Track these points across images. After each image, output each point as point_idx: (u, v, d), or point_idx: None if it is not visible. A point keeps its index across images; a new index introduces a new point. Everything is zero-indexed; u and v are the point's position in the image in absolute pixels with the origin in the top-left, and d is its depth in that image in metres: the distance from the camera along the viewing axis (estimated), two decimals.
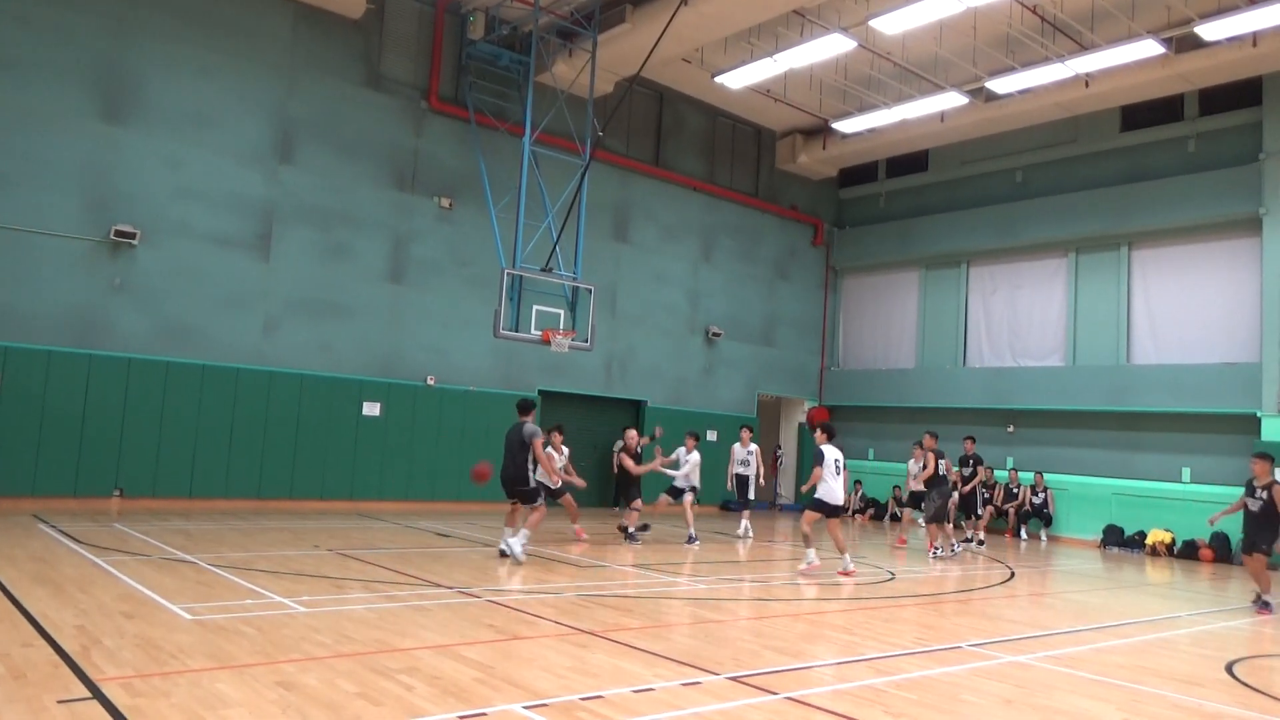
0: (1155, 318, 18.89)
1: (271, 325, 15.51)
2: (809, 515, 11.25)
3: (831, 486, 11.06)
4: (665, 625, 7.62)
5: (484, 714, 4.77)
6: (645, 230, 20.75)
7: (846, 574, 11.05)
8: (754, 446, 15.59)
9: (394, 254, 16.93)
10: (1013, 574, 12.97)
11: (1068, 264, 20.26)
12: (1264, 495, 10.24)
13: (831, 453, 11.11)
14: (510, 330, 15.57)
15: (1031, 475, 19.39)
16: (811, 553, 11.24)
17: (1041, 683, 6.31)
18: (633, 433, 14.74)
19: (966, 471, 15.96)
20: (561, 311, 16.37)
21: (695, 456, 14.11)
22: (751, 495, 15.56)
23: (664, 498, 14.40)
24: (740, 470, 15.48)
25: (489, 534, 13.29)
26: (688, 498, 14.01)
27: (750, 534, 15.51)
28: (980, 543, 15.95)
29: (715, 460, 20.36)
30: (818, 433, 11.40)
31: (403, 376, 16.88)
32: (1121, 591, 12.19)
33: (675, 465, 14.31)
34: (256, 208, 15.42)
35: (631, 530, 13.61)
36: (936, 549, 14.09)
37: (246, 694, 4.85)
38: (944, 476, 14.20)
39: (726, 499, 21.73)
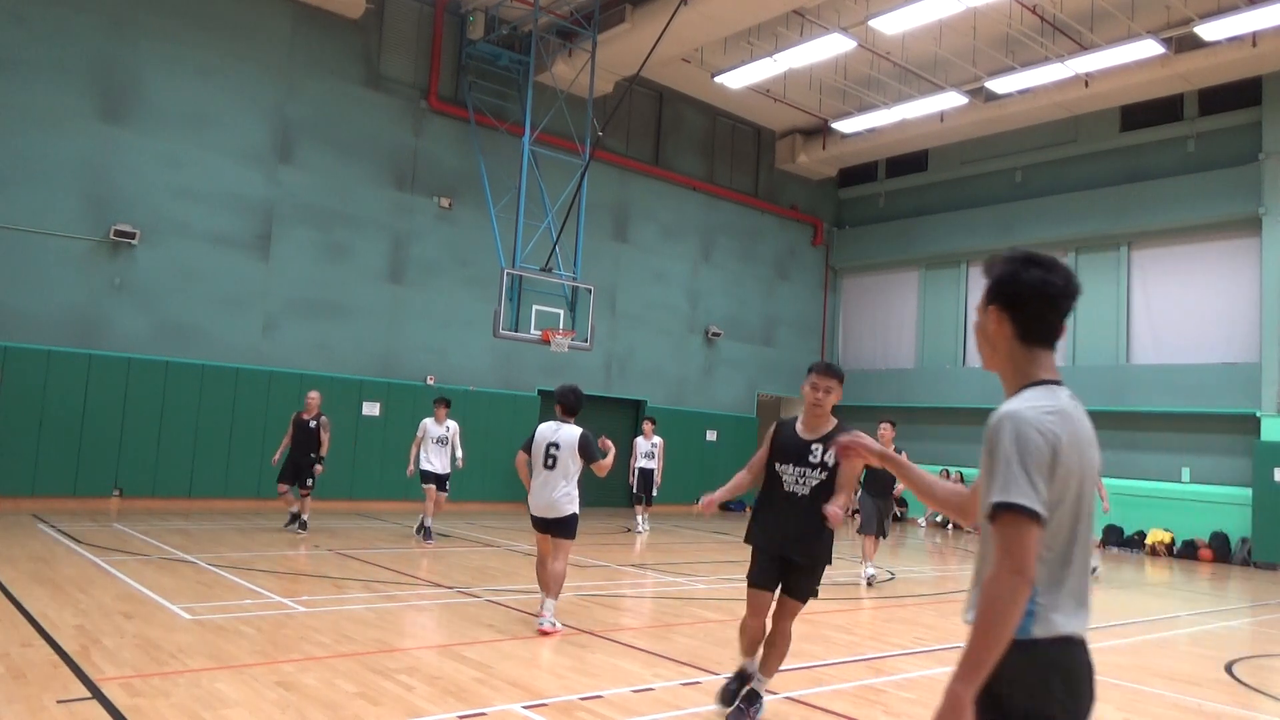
0: (1155, 318, 18.88)
1: (271, 325, 15.51)
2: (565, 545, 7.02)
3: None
4: (665, 625, 7.61)
5: (484, 714, 4.77)
6: (645, 230, 20.74)
7: (545, 633, 6.81)
8: (658, 440, 15.20)
9: (393, 254, 16.92)
10: None
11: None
12: (827, 459, 5.41)
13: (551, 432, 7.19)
14: (510, 330, 15.57)
15: None
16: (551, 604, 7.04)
17: None
18: (315, 394, 12.75)
19: None
20: (561, 311, 16.37)
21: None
22: (653, 491, 14.97)
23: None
24: (644, 464, 15.09)
25: (489, 534, 13.28)
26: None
27: (645, 529, 15.02)
28: None
29: (704, 460, 20.29)
30: (557, 409, 7.20)
31: (402, 376, 16.87)
32: (1121, 591, 12.19)
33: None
34: (256, 208, 15.41)
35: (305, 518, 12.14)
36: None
37: (246, 694, 4.85)
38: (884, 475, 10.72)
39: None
